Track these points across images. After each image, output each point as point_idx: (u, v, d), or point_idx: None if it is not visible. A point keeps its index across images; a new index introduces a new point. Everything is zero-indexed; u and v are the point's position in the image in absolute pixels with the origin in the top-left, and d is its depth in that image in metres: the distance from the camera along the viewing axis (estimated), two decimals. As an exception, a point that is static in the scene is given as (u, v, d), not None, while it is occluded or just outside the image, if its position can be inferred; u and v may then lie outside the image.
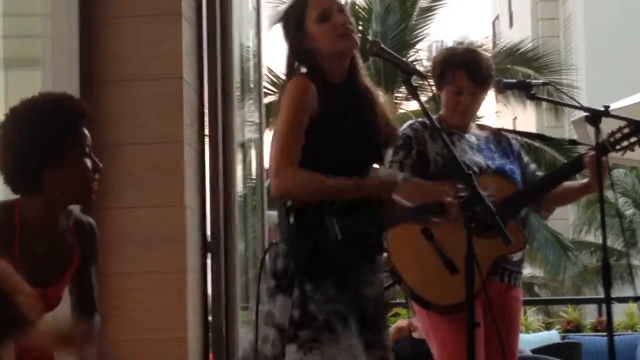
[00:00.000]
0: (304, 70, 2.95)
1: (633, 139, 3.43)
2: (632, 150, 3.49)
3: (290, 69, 2.97)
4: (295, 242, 2.88)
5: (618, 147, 3.45)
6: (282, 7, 3.11)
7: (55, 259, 2.44)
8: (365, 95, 2.96)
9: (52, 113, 2.37)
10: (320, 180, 2.81)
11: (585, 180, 3.57)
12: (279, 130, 2.88)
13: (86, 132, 2.44)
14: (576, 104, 3.63)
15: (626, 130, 3.44)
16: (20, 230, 2.36)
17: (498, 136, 3.70)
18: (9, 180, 2.40)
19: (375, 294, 2.87)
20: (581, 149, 3.74)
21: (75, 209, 2.65)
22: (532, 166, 3.72)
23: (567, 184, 3.59)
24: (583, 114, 3.49)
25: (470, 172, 2.78)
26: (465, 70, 3.50)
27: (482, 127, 3.72)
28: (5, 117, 2.40)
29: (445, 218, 2.87)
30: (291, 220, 2.88)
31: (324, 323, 2.76)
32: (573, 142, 4.31)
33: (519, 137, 3.86)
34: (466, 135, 3.59)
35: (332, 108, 2.88)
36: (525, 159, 3.72)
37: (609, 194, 4.33)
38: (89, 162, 2.43)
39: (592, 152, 3.39)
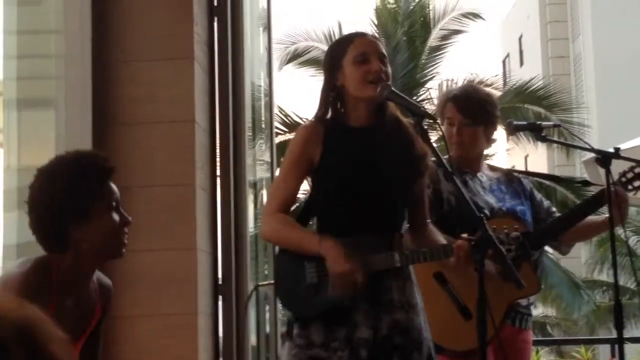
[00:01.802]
0: (319, 112, 2.98)
1: (645, 179, 3.43)
2: (644, 190, 3.48)
3: (322, 105, 2.98)
4: (278, 285, 2.93)
5: (630, 187, 3.45)
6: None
7: (80, 315, 2.45)
8: (391, 141, 2.94)
9: (75, 171, 2.39)
10: (287, 232, 2.87)
11: (607, 215, 3.55)
12: (276, 176, 2.93)
13: (113, 187, 2.46)
14: (587, 146, 3.62)
15: (637, 170, 3.44)
16: (56, 287, 2.37)
17: (509, 177, 3.70)
18: (40, 239, 2.42)
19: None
20: (593, 189, 3.73)
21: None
22: (546, 203, 3.71)
23: (588, 218, 3.57)
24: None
25: (482, 215, 2.77)
26: (453, 102, 3.56)
27: (493, 168, 3.73)
28: (34, 177, 2.42)
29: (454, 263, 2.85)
30: (276, 263, 2.96)
31: None
32: (585, 183, 4.30)
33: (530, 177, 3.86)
34: (478, 175, 3.60)
35: (340, 151, 2.91)
36: (538, 197, 3.71)
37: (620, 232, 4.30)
38: (116, 217, 2.44)
39: (613, 187, 3.38)
